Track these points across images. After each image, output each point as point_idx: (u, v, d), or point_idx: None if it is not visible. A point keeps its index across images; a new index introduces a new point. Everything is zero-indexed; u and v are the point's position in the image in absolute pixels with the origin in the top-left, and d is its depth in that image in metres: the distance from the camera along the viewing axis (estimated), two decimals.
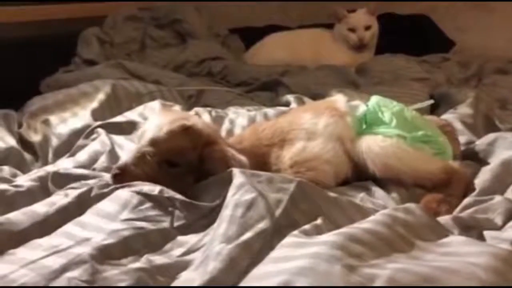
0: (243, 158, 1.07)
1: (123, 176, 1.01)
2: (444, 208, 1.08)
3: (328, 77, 2.14)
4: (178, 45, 2.40)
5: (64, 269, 0.80)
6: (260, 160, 1.15)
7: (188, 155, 1.04)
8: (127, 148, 1.34)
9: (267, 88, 2.03)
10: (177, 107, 1.56)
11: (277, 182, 0.97)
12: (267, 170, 1.09)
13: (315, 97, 1.79)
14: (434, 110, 1.72)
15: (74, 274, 0.79)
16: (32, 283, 0.77)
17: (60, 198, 1.01)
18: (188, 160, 1.05)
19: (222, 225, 0.87)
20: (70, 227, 0.93)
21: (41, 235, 0.91)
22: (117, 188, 0.99)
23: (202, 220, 0.97)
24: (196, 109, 1.58)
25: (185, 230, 0.95)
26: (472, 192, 1.13)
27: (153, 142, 1.03)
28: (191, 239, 0.93)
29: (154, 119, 1.10)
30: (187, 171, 1.05)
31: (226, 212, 0.90)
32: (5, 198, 1.06)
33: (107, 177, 1.09)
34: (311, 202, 0.95)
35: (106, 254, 0.84)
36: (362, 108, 1.25)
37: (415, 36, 2.62)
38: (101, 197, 0.99)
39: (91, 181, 1.08)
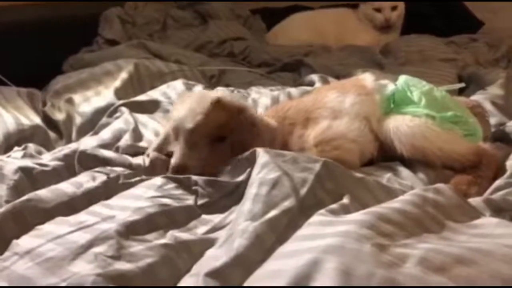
0: (272, 121, 1.08)
1: (183, 173, 1.02)
2: (474, 189, 1.05)
3: (352, 57, 2.10)
4: (199, 25, 2.38)
5: (91, 244, 0.80)
6: (284, 138, 1.14)
7: (229, 124, 1.06)
8: (151, 127, 1.34)
9: (290, 69, 2.00)
10: (199, 87, 1.55)
11: (302, 161, 0.96)
12: (291, 149, 1.08)
13: (339, 77, 1.75)
14: (462, 91, 1.67)
15: (100, 249, 0.79)
16: (59, 257, 0.78)
17: (87, 181, 1.02)
18: (232, 128, 1.07)
19: (247, 203, 0.87)
20: (96, 208, 0.94)
21: (67, 214, 0.92)
22: (143, 180, 1.01)
23: (226, 198, 0.97)
24: (218, 89, 1.57)
25: (209, 208, 0.95)
26: (503, 174, 1.09)
27: (196, 129, 1.04)
28: (215, 217, 0.93)
29: (181, 107, 1.08)
30: None
31: (251, 190, 0.89)
32: (31, 176, 1.07)
33: (134, 163, 1.11)
34: (336, 182, 0.94)
35: (132, 230, 0.85)
36: (390, 87, 1.22)
37: (442, 16, 2.54)
38: (128, 186, 1.00)
39: (117, 169, 1.09)
